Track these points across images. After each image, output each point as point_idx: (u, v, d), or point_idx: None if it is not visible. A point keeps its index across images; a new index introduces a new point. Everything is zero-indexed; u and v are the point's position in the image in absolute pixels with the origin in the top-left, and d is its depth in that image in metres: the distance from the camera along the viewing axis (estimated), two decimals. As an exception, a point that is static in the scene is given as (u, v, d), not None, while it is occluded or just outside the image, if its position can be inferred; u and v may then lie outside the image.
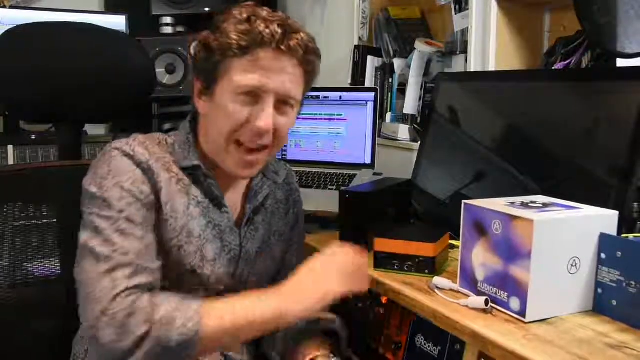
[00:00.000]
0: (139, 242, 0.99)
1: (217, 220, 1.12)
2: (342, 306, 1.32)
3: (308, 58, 1.07)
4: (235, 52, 1.02)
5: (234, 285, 1.14)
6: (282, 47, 1.02)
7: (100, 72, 1.34)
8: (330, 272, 1.06)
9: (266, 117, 1.04)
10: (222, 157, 1.09)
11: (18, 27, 1.31)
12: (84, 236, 1.00)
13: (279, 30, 1.02)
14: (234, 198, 1.17)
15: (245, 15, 1.03)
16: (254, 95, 1.04)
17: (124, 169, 1.02)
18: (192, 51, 1.10)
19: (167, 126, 2.52)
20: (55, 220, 1.26)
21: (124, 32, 2.37)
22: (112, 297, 0.93)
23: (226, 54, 1.02)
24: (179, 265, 1.07)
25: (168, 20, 2.62)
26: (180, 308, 0.95)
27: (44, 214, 1.27)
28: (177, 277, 1.07)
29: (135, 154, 1.04)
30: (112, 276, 0.95)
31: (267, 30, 1.01)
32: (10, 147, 2.18)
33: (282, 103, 1.06)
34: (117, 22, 2.42)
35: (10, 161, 2.16)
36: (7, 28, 1.33)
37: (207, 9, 2.56)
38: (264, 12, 1.04)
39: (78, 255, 1.00)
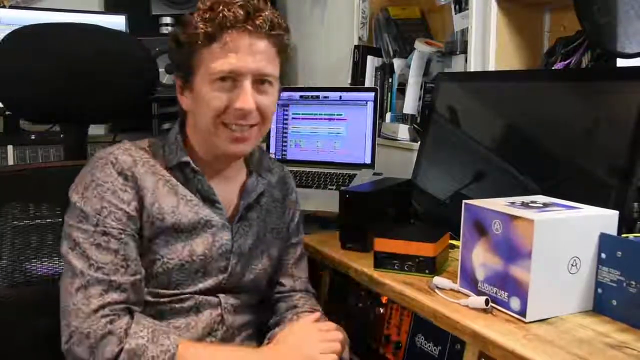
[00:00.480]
0: (114, 256, 1.01)
1: (208, 216, 1.12)
2: (343, 306, 1.33)
3: (276, 33, 1.08)
4: (203, 40, 1.04)
5: (228, 283, 1.15)
6: (248, 27, 1.04)
7: (105, 72, 1.34)
8: (312, 339, 1.08)
9: (244, 98, 1.05)
10: (212, 140, 1.10)
11: (24, 27, 1.31)
12: (63, 247, 1.03)
13: (241, 11, 1.04)
14: (228, 195, 1.18)
15: (208, 4, 1.05)
16: (230, 80, 1.05)
17: (105, 179, 1.04)
18: (170, 48, 1.12)
19: (166, 126, 2.51)
20: (57, 220, 1.26)
21: (125, 32, 2.37)
22: (86, 314, 0.96)
23: (195, 45, 1.05)
24: (167, 260, 1.08)
25: (168, 20, 2.62)
26: (154, 341, 0.97)
27: (45, 213, 1.27)
28: (166, 272, 1.08)
29: (118, 162, 1.06)
30: (85, 293, 0.98)
31: (230, 13, 1.03)
32: (10, 147, 2.18)
33: (259, 82, 1.08)
34: (117, 22, 2.42)
35: (10, 161, 2.16)
36: (7, 28, 1.33)
37: (206, 9, 2.56)
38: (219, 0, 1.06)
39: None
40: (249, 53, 1.05)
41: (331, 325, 1.15)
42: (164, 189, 1.09)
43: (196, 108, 1.10)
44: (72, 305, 0.98)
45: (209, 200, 1.13)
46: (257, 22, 1.04)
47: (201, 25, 1.03)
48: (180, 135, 1.15)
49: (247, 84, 1.06)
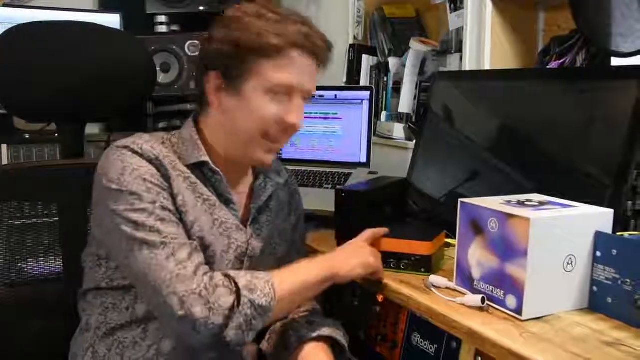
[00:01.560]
0: (179, 227, 1.03)
1: (223, 217, 1.12)
2: (340, 305, 1.33)
3: (328, 56, 1.13)
4: (271, 52, 1.06)
5: None
6: (315, 50, 1.09)
7: (103, 71, 1.34)
8: (365, 248, 1.19)
9: (298, 114, 1.10)
10: (246, 148, 1.12)
11: (21, 25, 1.31)
12: (128, 232, 1.00)
13: (308, 31, 1.08)
14: (238, 197, 1.18)
15: (273, 16, 1.07)
16: (284, 93, 1.08)
17: (139, 164, 1.04)
18: (210, 46, 1.10)
19: (161, 125, 2.51)
20: (53, 219, 1.26)
21: (123, 31, 2.36)
22: (189, 276, 0.97)
23: (260, 54, 1.06)
24: None
25: (163, 19, 2.61)
26: (254, 276, 1.01)
27: (42, 213, 1.26)
28: None
29: (144, 152, 1.05)
30: (175, 259, 0.98)
31: (299, 32, 1.07)
32: (4, 147, 2.17)
33: (303, 99, 1.12)
34: (112, 20, 2.41)
35: (4, 160, 2.14)
36: (0, 26, 1.32)
37: (201, 8, 2.55)
38: (286, 11, 1.10)
39: (124, 252, 1.01)
40: (307, 73, 1.10)
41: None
42: (183, 184, 1.09)
43: (239, 112, 1.09)
44: (169, 275, 0.96)
45: (225, 200, 1.13)
46: (319, 44, 1.09)
47: (272, 37, 1.05)
48: (196, 134, 1.14)
49: (300, 100, 1.10)
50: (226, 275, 1.00)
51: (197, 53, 2.35)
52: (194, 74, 1.18)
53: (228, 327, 0.95)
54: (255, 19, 1.06)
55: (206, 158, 1.11)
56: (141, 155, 1.04)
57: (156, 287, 0.97)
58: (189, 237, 1.06)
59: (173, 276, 0.96)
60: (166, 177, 1.06)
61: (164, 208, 1.02)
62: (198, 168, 1.12)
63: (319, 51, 1.10)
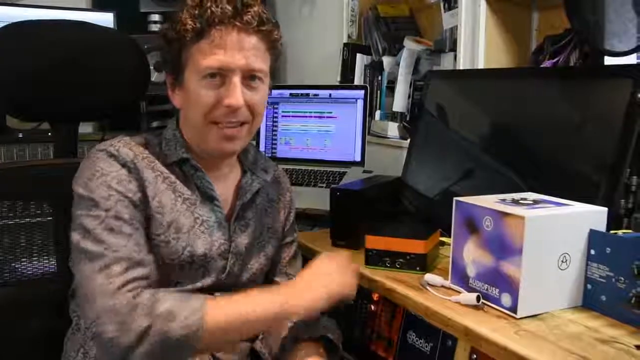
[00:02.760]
0: (128, 239, 1.00)
1: (205, 216, 1.12)
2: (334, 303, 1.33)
3: (265, 28, 1.07)
4: (192, 37, 1.03)
5: (226, 281, 1.14)
6: (237, 22, 1.03)
7: (97, 70, 1.33)
8: (331, 273, 1.11)
9: (234, 94, 1.05)
10: (203, 138, 1.10)
11: (15, 24, 1.30)
12: (76, 237, 1.01)
13: (229, 7, 1.03)
14: (223, 194, 1.17)
15: (193, 1, 1.05)
16: (219, 76, 1.05)
17: (109, 169, 1.03)
18: (161, 46, 1.11)
19: (155, 124, 2.51)
20: (46, 218, 1.25)
21: (117, 29, 2.35)
22: (110, 292, 0.94)
23: (184, 41, 1.05)
24: (168, 261, 1.07)
25: (156, 17, 2.61)
26: (183, 302, 0.96)
27: (35, 212, 1.26)
28: (166, 272, 1.07)
29: (120, 154, 1.05)
30: (106, 272, 0.96)
31: (218, 9, 1.02)
32: (-4, 146, 2.16)
33: (248, 78, 1.07)
34: (105, 19, 2.40)
35: (-3, 159, 2.14)
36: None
37: (195, 7, 2.55)
38: None
39: (73, 257, 1.02)
40: (238, 49, 1.04)
41: (345, 256, 1.17)
42: (162, 184, 1.08)
43: (187, 105, 1.10)
44: (95, 287, 0.95)
45: (208, 197, 1.13)
46: (246, 18, 1.03)
47: (189, 22, 1.03)
48: (178, 132, 1.14)
49: (237, 80, 1.05)
50: (153, 296, 0.96)
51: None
52: None
53: (136, 351, 0.92)
54: (180, 9, 1.06)
55: (187, 155, 1.11)
56: (116, 158, 1.04)
57: (83, 298, 0.97)
58: (165, 238, 1.06)
59: (98, 290, 0.95)
60: (139, 181, 1.05)
61: (117, 217, 1.00)
62: (179, 166, 1.11)
63: (245, 24, 1.04)
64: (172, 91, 1.13)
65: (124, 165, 1.04)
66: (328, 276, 1.10)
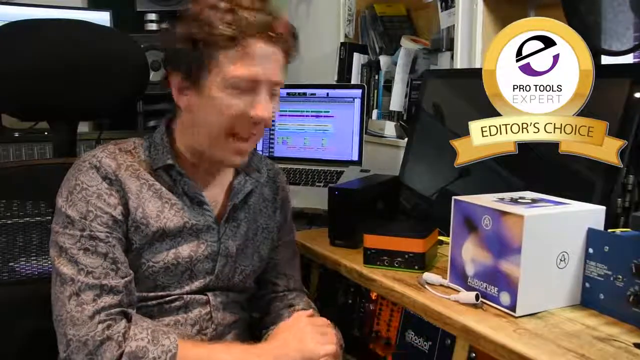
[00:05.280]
0: (103, 259, 1.00)
1: (193, 219, 1.10)
2: (333, 302, 1.33)
3: (293, 43, 1.07)
4: (223, 43, 0.99)
5: (216, 283, 1.14)
6: (272, 35, 1.01)
7: (97, 70, 1.33)
8: (309, 333, 1.08)
9: (265, 107, 1.03)
10: (214, 149, 1.07)
11: (13, 23, 1.29)
12: (52, 254, 1.02)
13: (265, 18, 1.01)
14: (215, 195, 1.16)
15: (226, 6, 1.00)
16: (248, 87, 1.02)
17: (90, 182, 1.03)
18: (167, 45, 1.07)
19: (152, 123, 2.50)
20: (45, 218, 1.25)
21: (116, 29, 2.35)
22: (81, 322, 0.95)
23: (214, 46, 1.00)
24: (152, 264, 1.06)
25: (153, 16, 2.60)
26: (155, 342, 0.97)
27: (33, 211, 1.25)
28: (152, 276, 1.07)
29: (102, 165, 1.04)
30: (78, 300, 0.97)
31: (255, 20, 1.00)
32: (-7, 145, 2.15)
33: (271, 91, 1.05)
34: (102, 18, 2.39)
35: (-7, 159, 2.13)
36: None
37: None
38: (233, 1, 1.02)
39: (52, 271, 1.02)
40: (267, 61, 1.02)
41: (325, 321, 1.15)
42: (148, 193, 1.07)
43: (202, 111, 1.04)
44: (66, 314, 0.96)
45: (197, 202, 1.11)
46: (278, 31, 1.02)
47: (221, 27, 0.98)
48: (166, 136, 1.12)
49: (265, 92, 1.03)
50: (126, 330, 0.97)
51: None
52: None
53: None
54: (208, 10, 1.00)
55: (172, 161, 1.09)
56: (97, 170, 1.03)
57: (56, 321, 0.98)
58: (150, 242, 1.05)
59: (68, 316, 0.96)
60: (121, 194, 1.04)
61: (92, 238, 1.00)
62: (166, 171, 1.10)
63: (279, 38, 1.02)
64: (179, 92, 1.06)
65: (104, 177, 1.03)
66: (307, 336, 1.07)
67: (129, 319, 1.00)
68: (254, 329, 1.25)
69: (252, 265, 1.20)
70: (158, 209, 1.07)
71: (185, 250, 1.09)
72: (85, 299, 0.96)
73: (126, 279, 1.02)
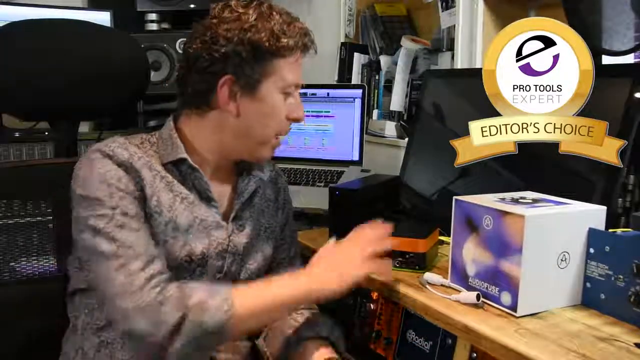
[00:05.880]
0: (138, 234, 1.01)
1: (203, 215, 1.11)
2: (333, 302, 1.33)
3: None
4: (286, 53, 1.07)
5: (223, 281, 1.14)
6: (310, 47, 1.12)
7: (97, 69, 1.33)
8: (352, 255, 1.09)
9: (302, 108, 1.15)
10: (257, 149, 1.14)
11: (15, 23, 1.29)
12: (86, 238, 1.00)
13: (307, 30, 1.12)
14: (221, 193, 1.17)
15: (280, 17, 1.08)
16: (291, 91, 1.12)
17: (107, 168, 1.03)
18: (215, 47, 1.06)
19: (152, 123, 2.50)
20: (46, 218, 1.25)
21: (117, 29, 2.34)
22: (135, 291, 0.95)
23: (276, 54, 1.07)
24: (166, 260, 1.06)
25: (153, 16, 2.60)
26: (212, 293, 0.98)
27: (34, 211, 1.25)
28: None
29: (115, 154, 1.05)
30: (126, 271, 0.97)
31: (302, 32, 1.10)
32: (-7, 145, 2.15)
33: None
34: (102, 18, 2.39)
35: (-6, 159, 2.12)
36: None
37: (192, 6, 2.55)
38: (281, 9, 1.10)
39: (84, 260, 1.02)
40: (301, 67, 1.13)
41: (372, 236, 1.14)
42: (160, 184, 1.08)
43: (255, 114, 1.10)
44: (117, 287, 0.96)
45: (205, 197, 1.12)
46: (313, 44, 1.13)
47: (284, 39, 1.07)
48: (174, 132, 1.13)
49: (298, 95, 1.14)
50: (180, 289, 0.97)
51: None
52: (179, 73, 1.13)
53: (172, 344, 0.94)
54: (267, 19, 1.07)
55: (185, 155, 1.10)
56: (111, 158, 1.04)
57: (106, 298, 0.98)
58: (163, 238, 1.06)
59: (120, 289, 0.96)
60: (136, 180, 1.05)
61: (124, 214, 1.01)
62: (176, 166, 1.11)
63: (312, 50, 1.13)
64: (231, 98, 1.08)
65: (120, 165, 1.04)
66: (350, 258, 1.08)
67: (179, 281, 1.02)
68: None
69: (256, 264, 1.21)
70: (170, 200, 1.08)
71: (198, 247, 1.10)
72: (133, 269, 0.97)
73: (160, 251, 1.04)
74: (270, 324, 1.20)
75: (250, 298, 1.01)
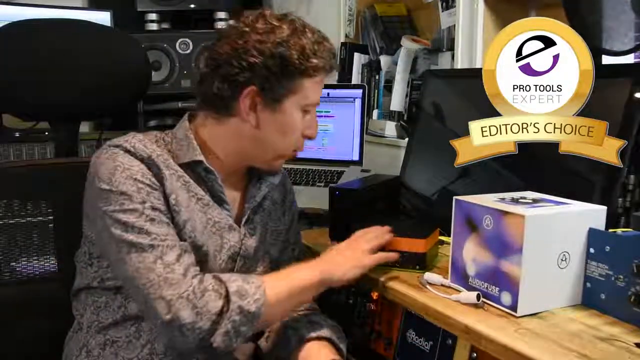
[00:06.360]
0: (169, 227, 1.02)
1: (216, 217, 1.12)
2: (333, 302, 1.33)
3: None
4: (313, 73, 1.09)
5: None
6: (334, 67, 1.14)
7: (101, 70, 1.33)
8: (359, 246, 1.16)
9: (316, 127, 1.18)
10: (271, 160, 1.16)
11: (15, 23, 1.29)
12: (115, 234, 0.99)
13: (336, 57, 1.18)
14: (232, 197, 1.18)
15: (312, 35, 1.09)
16: (310, 109, 1.14)
17: (130, 163, 1.03)
18: (243, 57, 1.06)
19: (152, 123, 2.50)
20: (47, 218, 1.25)
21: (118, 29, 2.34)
22: (177, 280, 0.96)
23: (304, 73, 1.08)
24: None
25: (153, 16, 2.60)
26: (246, 281, 1.00)
27: (34, 212, 1.25)
28: None
29: (137, 150, 1.04)
30: (163, 262, 0.98)
31: (330, 53, 1.11)
32: (-7, 145, 2.15)
33: None
34: (102, 18, 2.39)
35: (-6, 159, 2.12)
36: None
37: (192, 6, 2.55)
38: (312, 27, 1.11)
39: (113, 254, 1.01)
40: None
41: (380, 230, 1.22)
42: (177, 183, 1.08)
43: (274, 127, 1.11)
44: (157, 278, 0.96)
45: (218, 200, 1.13)
46: (337, 69, 1.19)
47: (315, 59, 1.08)
48: (190, 132, 1.13)
49: (315, 113, 1.16)
50: (217, 278, 0.99)
51: (188, 51, 2.35)
52: (200, 71, 1.13)
53: (216, 332, 0.95)
54: (300, 36, 1.07)
55: (201, 157, 1.10)
56: (133, 154, 1.03)
57: (144, 291, 0.97)
58: (181, 236, 1.05)
59: (160, 280, 0.96)
60: (158, 177, 1.04)
61: (154, 208, 1.01)
62: (191, 167, 1.11)
63: (335, 70, 1.16)
64: (252, 109, 1.09)
65: (142, 160, 1.04)
66: (360, 247, 1.15)
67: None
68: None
69: (263, 267, 1.21)
70: (187, 200, 1.08)
71: (211, 249, 1.10)
72: (169, 261, 0.98)
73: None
74: (272, 326, 1.20)
75: (278, 285, 1.03)
